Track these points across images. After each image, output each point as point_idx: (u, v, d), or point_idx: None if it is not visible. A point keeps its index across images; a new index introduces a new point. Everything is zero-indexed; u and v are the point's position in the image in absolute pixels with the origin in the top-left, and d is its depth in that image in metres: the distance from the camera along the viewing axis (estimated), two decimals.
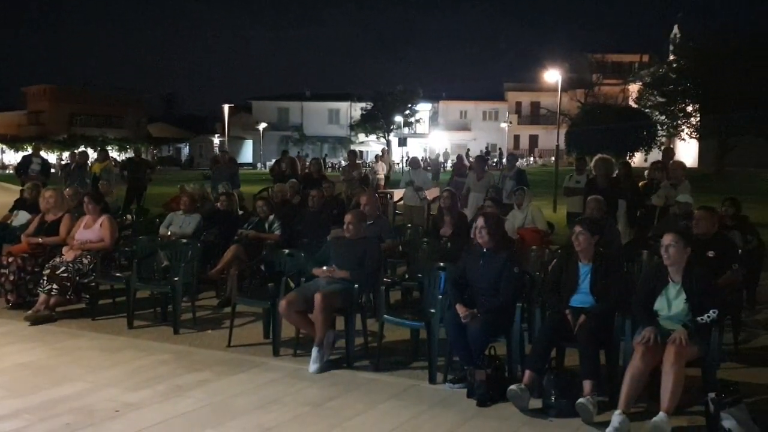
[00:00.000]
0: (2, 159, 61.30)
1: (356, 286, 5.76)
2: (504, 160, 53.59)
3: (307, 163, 16.83)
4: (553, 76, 23.90)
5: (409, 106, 59.15)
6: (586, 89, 47.42)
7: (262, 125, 61.39)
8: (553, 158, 31.70)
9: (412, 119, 59.84)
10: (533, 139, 64.47)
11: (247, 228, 8.34)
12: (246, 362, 5.69)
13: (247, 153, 64.28)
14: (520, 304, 5.18)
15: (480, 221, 5.29)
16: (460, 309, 5.06)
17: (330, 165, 48.44)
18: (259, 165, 56.65)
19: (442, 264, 5.78)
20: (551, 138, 48.23)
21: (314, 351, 5.50)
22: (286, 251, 6.88)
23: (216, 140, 62.11)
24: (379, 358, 5.62)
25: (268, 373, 5.41)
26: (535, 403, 4.66)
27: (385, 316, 5.69)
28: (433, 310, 5.40)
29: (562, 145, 31.65)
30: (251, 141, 65.24)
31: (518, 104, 65.77)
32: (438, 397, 4.92)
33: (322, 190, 9.76)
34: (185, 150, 69.90)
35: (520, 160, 16.66)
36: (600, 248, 5.11)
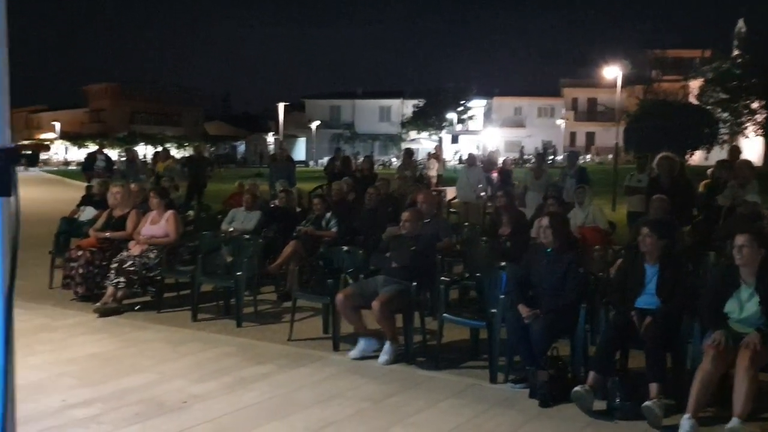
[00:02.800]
0: (66, 156, 63.47)
1: (414, 284, 5.78)
2: (559, 158, 53.04)
3: (359, 161, 16.96)
4: (612, 72, 23.47)
5: (462, 102, 58.82)
6: (645, 85, 46.32)
7: (315, 123, 61.99)
8: (610, 156, 31.12)
9: (465, 116, 59.48)
10: (590, 136, 63.30)
11: (305, 225, 8.46)
12: (307, 356, 5.77)
13: (299, 151, 65.01)
14: (584, 305, 5.10)
15: (544, 221, 5.24)
16: (523, 309, 5.02)
17: (381, 163, 48.55)
18: (311, 163, 57.24)
19: (502, 263, 5.75)
20: (608, 135, 47.33)
21: (387, 345, 5.59)
22: (344, 248, 6.95)
23: (270, 138, 63.04)
24: (438, 357, 5.63)
25: (328, 368, 5.47)
26: (600, 405, 4.60)
27: (445, 315, 5.69)
28: (494, 310, 5.37)
29: (621, 143, 30.98)
30: (304, 139, 65.95)
31: (574, 100, 64.64)
32: (499, 397, 4.90)
33: (378, 188, 9.81)
34: (240, 148, 71.13)
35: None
36: (667, 249, 5.00)
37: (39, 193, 23.52)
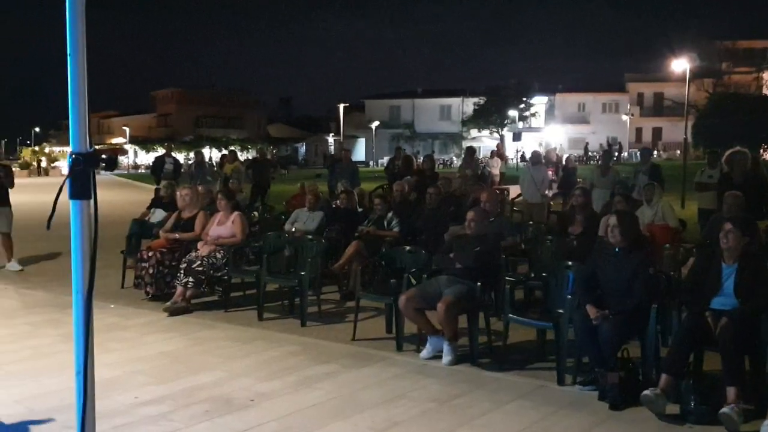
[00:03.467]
0: (136, 159, 65.56)
1: (478, 284, 5.72)
2: (624, 154, 51.72)
3: (420, 160, 16.92)
4: (680, 65, 22.71)
5: (524, 99, 58.03)
6: (715, 78, 44.70)
7: (375, 123, 62.20)
8: (678, 152, 30.15)
9: (527, 113, 58.66)
10: (656, 132, 61.51)
11: (366, 225, 8.49)
12: (371, 356, 5.78)
13: (359, 151, 65.37)
14: (655, 305, 4.94)
15: (613, 219, 5.10)
16: (591, 310, 4.89)
17: (441, 162, 48.35)
18: (371, 163, 57.47)
19: (569, 263, 5.63)
20: (676, 130, 45.89)
21: (445, 345, 5.54)
22: (407, 248, 6.93)
23: (330, 139, 63.60)
24: (503, 358, 5.56)
25: (392, 368, 5.47)
26: (672, 409, 4.45)
27: (510, 315, 5.61)
28: (561, 311, 5.26)
29: (690, 138, 29.98)
30: (364, 139, 66.29)
31: (640, 95, 62.90)
32: (568, 399, 4.79)
33: (439, 188, 9.76)
34: (302, 149, 72.03)
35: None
36: (747, 247, 4.80)
37: (111, 196, 24.35)
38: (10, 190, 9.73)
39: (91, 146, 1.77)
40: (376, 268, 7.35)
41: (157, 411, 4.52)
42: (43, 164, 56.10)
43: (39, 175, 49.00)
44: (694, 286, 4.92)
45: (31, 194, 13.19)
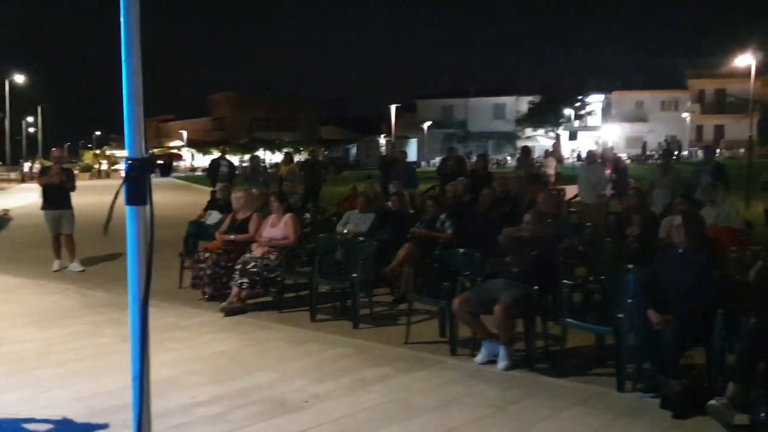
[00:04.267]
0: (193, 162, 67.01)
1: (535, 288, 5.60)
2: (684, 153, 50.23)
3: (473, 161, 16.75)
4: (744, 60, 21.91)
5: (580, 97, 57.01)
6: None
7: (427, 124, 62.03)
8: (742, 150, 29.12)
9: (583, 111, 57.61)
10: (718, 130, 59.52)
11: (418, 226, 8.42)
12: (424, 360, 5.72)
13: (411, 152, 65.25)
14: (720, 310, 4.74)
15: (677, 219, 4.92)
16: (653, 315, 4.73)
17: (495, 162, 47.87)
18: (423, 163, 57.34)
19: (630, 266, 5.45)
20: (739, 128, 44.40)
21: (501, 350, 5.44)
22: (461, 250, 6.84)
23: (382, 140, 63.72)
24: (561, 363, 5.43)
25: (446, 372, 5.40)
26: (741, 420, 4.25)
27: (568, 319, 5.48)
28: (621, 315, 5.10)
29: (755, 136, 28.90)
30: (416, 140, 66.17)
31: (701, 92, 61.00)
32: (628, 407, 4.65)
33: (493, 189, 9.64)
34: (353, 151, 72.36)
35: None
36: None
37: (169, 198, 24.90)
38: (72, 192, 10.04)
39: (146, 151, 1.77)
40: (429, 270, 7.28)
41: (214, 411, 4.56)
42: (104, 167, 57.82)
43: (100, 178, 50.54)
44: (763, 290, 4.70)
45: (92, 196, 13.57)
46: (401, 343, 6.23)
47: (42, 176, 10.26)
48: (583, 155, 18.61)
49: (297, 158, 42.27)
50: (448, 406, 4.66)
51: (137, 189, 1.69)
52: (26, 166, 50.01)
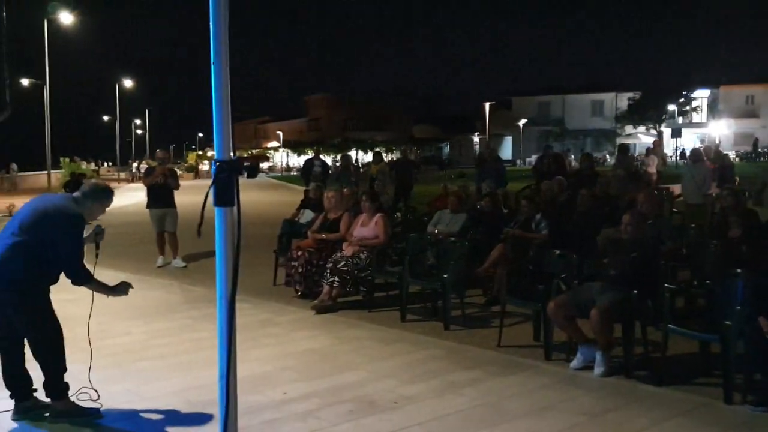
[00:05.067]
0: (288, 162, 68.72)
1: (634, 292, 5.35)
2: None
3: (571, 158, 16.27)
4: None
5: (684, 93, 54.49)
6: None
7: (522, 121, 60.97)
8: None
9: (687, 108, 55.03)
10: None
11: (512, 227, 8.25)
12: (517, 364, 5.59)
13: (506, 150, 64.38)
14: None
15: None
16: (764, 323, 4.41)
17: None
18: (518, 162, 56.42)
19: (738, 270, 5.12)
20: None
21: (598, 355, 5.24)
22: (557, 252, 6.64)
23: (476, 138, 63.16)
24: (662, 371, 5.16)
25: (540, 377, 5.25)
26: None
27: (670, 326, 5.20)
28: (728, 322, 4.79)
29: None
30: (510, 138, 65.21)
31: None
32: (737, 420, 4.36)
33: (591, 188, 9.31)
34: (446, 149, 72.11)
35: None
36: None
37: (264, 197, 25.62)
38: (175, 192, 10.47)
39: (234, 154, 1.79)
40: (523, 272, 7.11)
41: (304, 408, 4.61)
42: (206, 167, 60.13)
43: (203, 178, 52.61)
44: None
45: (195, 195, 14.08)
46: (493, 346, 6.12)
47: (147, 176, 10.77)
48: (687, 153, 17.71)
49: (388, 157, 42.53)
50: (541, 413, 4.52)
51: (225, 190, 1.70)
52: (134, 166, 52.78)
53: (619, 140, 44.19)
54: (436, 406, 4.65)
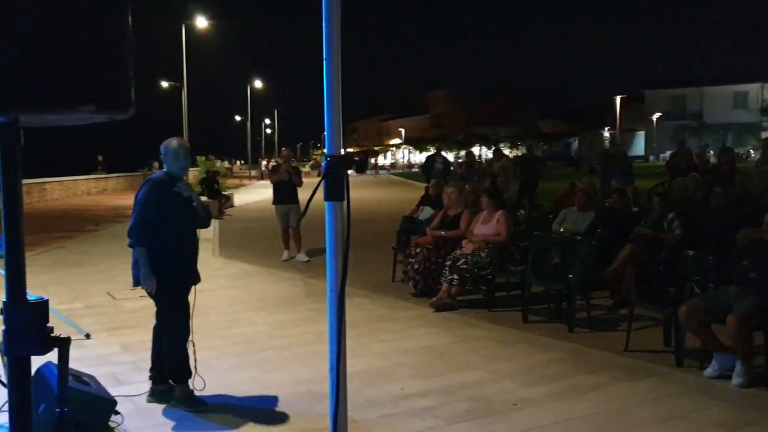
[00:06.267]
0: (410, 159, 69.23)
1: None
2: None
3: (709, 154, 15.30)
4: None
5: None
6: None
7: (656, 115, 58.09)
8: None
9: None
10: None
11: (643, 226, 7.85)
12: (645, 369, 5.30)
13: (638, 145, 61.63)
14: None
15: None
16: None
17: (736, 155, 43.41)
18: (651, 158, 53.81)
19: None
20: None
21: (738, 364, 4.88)
22: (691, 252, 6.24)
23: (606, 133, 60.88)
24: None
25: (670, 385, 4.94)
26: None
27: None
28: None
29: None
30: (643, 133, 62.30)
31: None
32: None
33: (727, 186, 8.68)
34: (574, 145, 69.97)
35: None
36: None
37: (384, 194, 25.95)
38: (299, 188, 10.82)
39: (344, 149, 1.79)
40: (654, 273, 6.74)
41: (421, 405, 4.60)
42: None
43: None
44: None
45: (318, 192, 14.50)
46: (620, 350, 5.83)
47: (272, 174, 11.17)
48: None
49: (513, 153, 41.83)
50: (671, 422, 4.26)
51: (335, 185, 1.71)
52: (263, 164, 55.10)
53: (765, 135, 40.98)
54: (556, 410, 4.50)
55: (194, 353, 4.60)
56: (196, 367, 4.65)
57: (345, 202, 1.76)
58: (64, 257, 11.52)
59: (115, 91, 1.37)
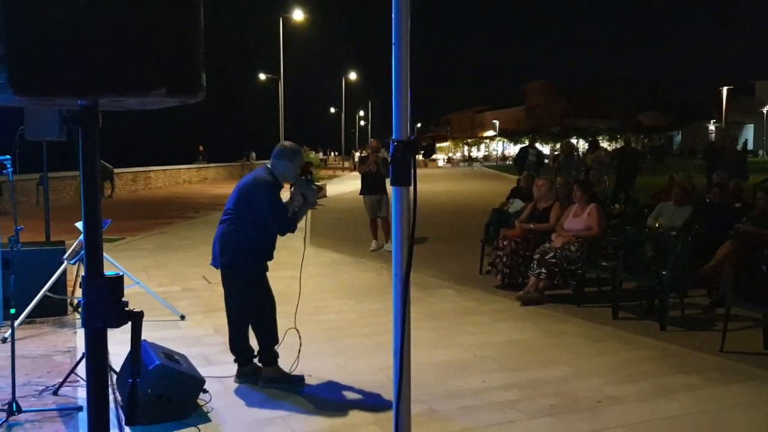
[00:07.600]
0: (504, 151, 68.30)
1: None
2: None
3: None
4: None
5: None
6: None
7: (766, 107, 54.74)
8: None
9: None
10: None
11: (744, 222, 7.44)
12: (742, 372, 5.04)
13: (748, 139, 58.26)
14: None
15: None
16: None
17: None
18: (760, 152, 50.80)
19: None
20: None
21: None
22: None
23: (711, 126, 57.93)
24: None
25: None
26: None
27: None
28: None
29: None
30: (752, 126, 58.88)
31: None
32: None
33: None
34: (677, 138, 66.99)
35: None
36: None
37: (476, 186, 25.74)
38: (387, 179, 10.88)
39: (412, 134, 1.79)
40: (754, 273, 6.38)
41: (503, 398, 4.55)
42: (420, 157, 61.64)
43: (419, 167, 54.01)
44: None
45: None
46: (715, 351, 5.57)
47: (361, 165, 11.29)
48: None
49: (612, 146, 40.51)
50: (767, 429, 4.03)
51: (401, 170, 1.71)
52: (356, 155, 55.79)
53: None
54: (644, 409, 4.35)
55: (299, 339, 4.83)
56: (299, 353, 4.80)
57: (411, 188, 1.76)
58: (165, 242, 12.11)
59: (185, 76, 1.43)
